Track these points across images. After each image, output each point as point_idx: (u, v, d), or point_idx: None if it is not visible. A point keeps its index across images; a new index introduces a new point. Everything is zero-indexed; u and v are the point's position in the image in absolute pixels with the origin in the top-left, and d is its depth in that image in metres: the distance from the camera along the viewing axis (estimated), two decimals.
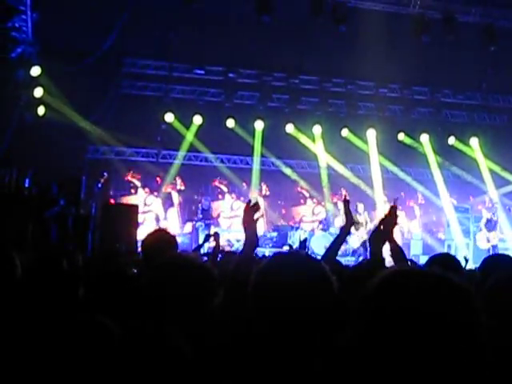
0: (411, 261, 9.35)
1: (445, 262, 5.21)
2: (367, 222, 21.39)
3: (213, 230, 21.28)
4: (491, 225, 21.88)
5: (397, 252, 5.57)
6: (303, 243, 9.99)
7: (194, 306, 3.35)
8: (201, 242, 16.27)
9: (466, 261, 9.49)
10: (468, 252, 22.05)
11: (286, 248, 18.11)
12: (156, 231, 6.00)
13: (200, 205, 23.59)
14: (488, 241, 21.69)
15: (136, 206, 19.86)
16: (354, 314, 2.00)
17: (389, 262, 5.65)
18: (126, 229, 17.18)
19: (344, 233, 6.02)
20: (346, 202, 6.25)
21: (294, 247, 15.48)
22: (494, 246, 21.62)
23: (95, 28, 19.28)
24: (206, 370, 2.90)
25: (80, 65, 19.73)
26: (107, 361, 2.73)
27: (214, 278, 3.54)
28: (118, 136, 23.34)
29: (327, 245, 5.95)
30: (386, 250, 5.45)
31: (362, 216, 21.32)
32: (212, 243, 9.77)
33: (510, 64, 21.56)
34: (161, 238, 5.62)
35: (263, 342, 2.71)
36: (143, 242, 5.61)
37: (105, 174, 20.37)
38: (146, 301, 3.50)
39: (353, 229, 20.28)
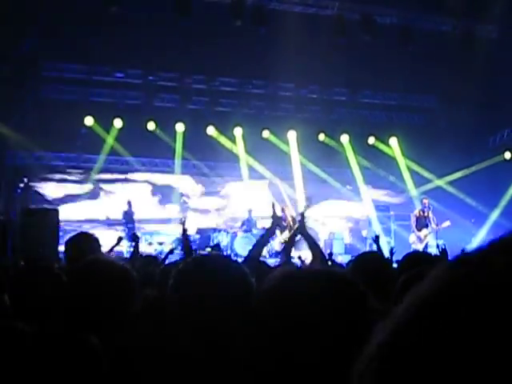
0: (330, 259, 9.39)
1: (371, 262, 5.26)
2: (291, 224, 21.33)
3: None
4: (422, 223, 21.70)
5: (315, 252, 5.65)
6: (217, 246, 10.04)
7: (113, 309, 3.33)
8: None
9: (392, 250, 9.72)
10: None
11: (208, 250, 18.06)
12: (78, 234, 5.94)
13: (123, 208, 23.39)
14: (420, 240, 21.46)
15: (56, 210, 19.54)
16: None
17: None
18: (47, 234, 16.92)
19: (267, 235, 6.09)
20: (273, 206, 6.42)
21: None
22: (427, 244, 21.29)
23: (12, 31, 18.98)
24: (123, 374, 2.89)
25: None
26: (21, 364, 2.72)
27: (133, 280, 3.53)
28: (37, 141, 22.94)
29: (249, 246, 6.03)
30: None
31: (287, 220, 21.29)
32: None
33: (427, 65, 22.02)
34: (83, 240, 5.57)
35: (182, 345, 2.69)
36: (66, 245, 5.55)
37: (24, 179, 20.05)
38: (67, 304, 3.48)
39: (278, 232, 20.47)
